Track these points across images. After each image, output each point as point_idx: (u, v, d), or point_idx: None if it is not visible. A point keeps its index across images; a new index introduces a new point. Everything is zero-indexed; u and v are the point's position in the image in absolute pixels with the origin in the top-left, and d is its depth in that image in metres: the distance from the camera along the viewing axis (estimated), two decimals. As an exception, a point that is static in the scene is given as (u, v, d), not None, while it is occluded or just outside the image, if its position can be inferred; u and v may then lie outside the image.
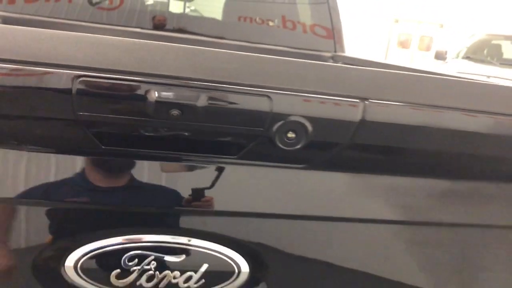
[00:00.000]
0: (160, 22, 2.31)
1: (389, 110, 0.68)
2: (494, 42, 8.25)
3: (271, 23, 2.44)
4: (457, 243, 0.79)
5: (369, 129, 0.67)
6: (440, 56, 7.75)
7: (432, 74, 0.89)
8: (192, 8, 2.75)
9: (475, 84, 0.81)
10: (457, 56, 7.65)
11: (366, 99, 0.66)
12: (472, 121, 0.72)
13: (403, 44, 14.60)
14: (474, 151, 0.74)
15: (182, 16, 2.51)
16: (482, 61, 7.22)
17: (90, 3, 2.23)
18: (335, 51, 2.39)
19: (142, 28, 2.19)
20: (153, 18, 2.29)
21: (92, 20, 2.12)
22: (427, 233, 0.79)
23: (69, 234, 0.66)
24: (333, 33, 2.45)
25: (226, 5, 2.52)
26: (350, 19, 14.25)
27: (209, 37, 2.21)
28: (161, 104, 0.59)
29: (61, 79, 0.57)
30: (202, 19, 2.71)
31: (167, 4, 2.52)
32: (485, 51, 7.95)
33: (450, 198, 0.78)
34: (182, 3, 2.46)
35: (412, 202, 0.76)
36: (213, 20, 2.70)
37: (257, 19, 2.44)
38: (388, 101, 0.68)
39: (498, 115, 0.72)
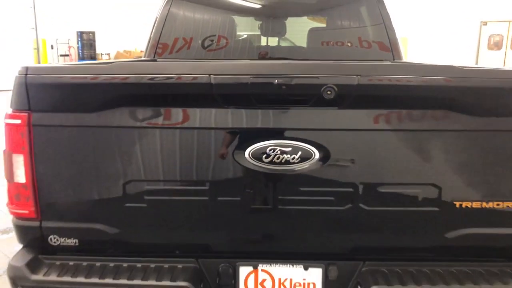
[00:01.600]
0: (262, 55, 3.23)
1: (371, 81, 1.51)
2: None
3: (343, 44, 3.28)
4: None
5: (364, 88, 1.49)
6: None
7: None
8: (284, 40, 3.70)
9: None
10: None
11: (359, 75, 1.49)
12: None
13: (495, 46, 14.44)
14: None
15: (276, 47, 3.46)
16: None
17: (203, 47, 3.26)
18: (393, 59, 3.12)
19: (250, 59, 3.12)
20: (258, 52, 3.23)
21: (207, 58, 3.10)
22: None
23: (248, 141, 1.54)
24: (390, 46, 3.21)
25: (308, 36, 3.39)
26: (440, 26, 14.45)
27: (298, 60, 3.04)
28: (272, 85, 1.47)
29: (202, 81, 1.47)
30: (292, 48, 3.63)
31: (264, 39, 3.49)
32: None
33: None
34: (276, 38, 3.41)
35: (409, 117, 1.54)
36: (299, 47, 3.59)
37: (332, 42, 3.30)
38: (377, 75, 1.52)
39: None
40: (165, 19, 3.18)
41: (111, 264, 1.64)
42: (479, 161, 1.56)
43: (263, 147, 1.52)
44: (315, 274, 1.65)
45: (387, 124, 1.53)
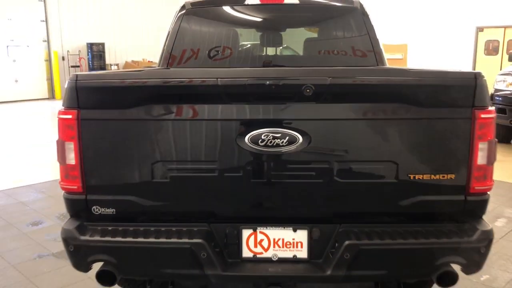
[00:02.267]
0: (266, 63, 3.66)
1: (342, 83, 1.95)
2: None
3: (334, 53, 3.72)
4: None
5: (334, 87, 1.93)
6: (512, 58, 8.37)
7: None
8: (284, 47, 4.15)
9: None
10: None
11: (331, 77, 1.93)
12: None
13: (491, 51, 14.85)
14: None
15: (275, 56, 3.92)
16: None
17: (210, 57, 3.71)
18: (377, 65, 3.54)
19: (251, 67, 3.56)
20: (259, 60, 3.68)
21: (214, 66, 3.53)
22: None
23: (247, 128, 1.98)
24: (374, 54, 3.66)
25: (304, 46, 3.83)
26: (439, 33, 14.85)
27: (294, 67, 3.45)
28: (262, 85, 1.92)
29: (211, 83, 1.93)
30: (290, 56, 4.08)
31: (264, 49, 3.94)
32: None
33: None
34: (274, 48, 3.87)
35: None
36: (296, 56, 4.05)
37: (324, 51, 3.75)
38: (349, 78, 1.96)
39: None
40: (177, 33, 3.63)
41: (141, 228, 2.08)
42: (426, 142, 2.00)
43: (259, 133, 1.96)
44: (302, 235, 2.09)
45: (355, 114, 1.98)
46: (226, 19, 3.83)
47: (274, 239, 2.10)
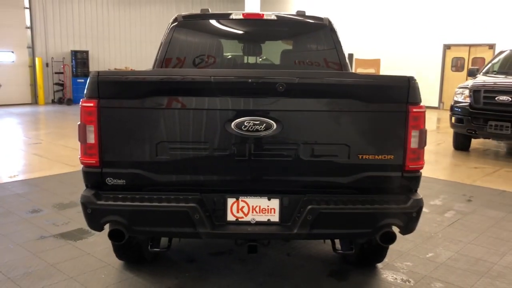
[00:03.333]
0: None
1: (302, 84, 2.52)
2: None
3: (306, 63, 4.31)
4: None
5: (301, 85, 2.49)
6: (472, 73, 9.13)
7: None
8: (263, 58, 4.72)
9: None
10: (487, 72, 9.02)
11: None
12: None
13: (457, 68, 15.80)
14: None
15: (255, 64, 4.49)
16: (506, 74, 8.58)
17: (195, 64, 4.25)
18: None
19: None
20: (242, 68, 4.24)
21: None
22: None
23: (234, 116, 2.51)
24: (340, 64, 4.26)
25: (281, 56, 4.40)
26: (410, 49, 15.72)
27: None
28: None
29: (206, 80, 2.46)
30: (268, 65, 4.65)
31: (244, 58, 4.51)
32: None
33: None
34: (254, 57, 4.44)
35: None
36: (273, 64, 4.62)
37: (298, 61, 4.33)
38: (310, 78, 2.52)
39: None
40: (169, 43, 4.17)
41: (146, 196, 2.59)
42: (371, 130, 2.57)
43: (242, 121, 2.49)
44: (275, 203, 2.63)
45: (317, 107, 2.53)
46: (212, 31, 4.38)
47: (252, 206, 2.63)
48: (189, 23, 4.30)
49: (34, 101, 15.84)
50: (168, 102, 2.52)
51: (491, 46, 14.94)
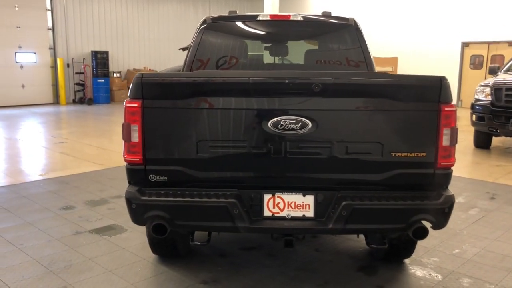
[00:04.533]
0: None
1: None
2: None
3: (331, 62, 4.39)
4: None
5: (336, 85, 2.59)
6: (492, 71, 9.10)
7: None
8: (285, 58, 4.82)
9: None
10: (509, 70, 8.99)
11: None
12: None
13: (475, 65, 15.70)
14: None
15: (279, 64, 4.59)
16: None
17: (223, 65, 4.37)
18: None
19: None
20: (267, 68, 4.34)
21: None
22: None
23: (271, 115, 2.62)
24: (366, 64, 4.33)
25: (305, 56, 4.50)
26: (427, 47, 15.67)
27: None
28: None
29: (245, 81, 2.59)
30: (292, 65, 4.75)
31: (271, 58, 4.61)
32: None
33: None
34: (275, 57, 4.54)
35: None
36: (299, 65, 4.71)
37: (323, 61, 4.42)
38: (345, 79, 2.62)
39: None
40: (199, 44, 4.29)
41: (187, 192, 2.71)
42: (404, 128, 2.65)
43: (279, 120, 2.60)
44: (310, 199, 2.73)
45: (351, 106, 2.63)
46: (240, 32, 4.49)
47: (288, 202, 2.73)
48: (218, 25, 4.41)
49: (56, 101, 16.14)
50: (208, 103, 2.64)
51: (511, 43, 14.81)
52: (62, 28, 16.05)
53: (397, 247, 3.47)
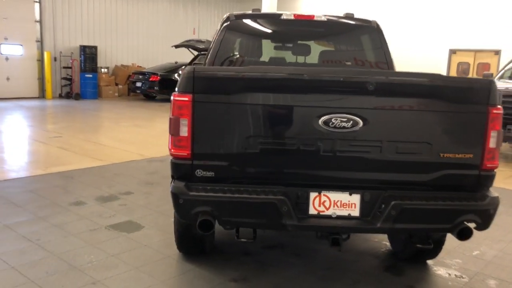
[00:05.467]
0: None
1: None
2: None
3: (353, 63, 4.42)
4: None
5: (389, 85, 2.60)
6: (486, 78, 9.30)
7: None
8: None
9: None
10: (501, 77, 9.20)
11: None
12: None
13: (463, 72, 16.03)
14: None
15: (302, 64, 4.59)
16: (521, 79, 8.76)
17: (249, 62, 4.32)
18: None
19: None
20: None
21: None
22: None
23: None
24: (387, 64, 4.38)
25: (319, 56, 4.51)
26: (416, 53, 15.89)
27: None
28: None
29: (299, 77, 2.58)
30: (308, 64, 4.76)
31: (294, 57, 4.61)
32: (526, 72, 9.41)
33: None
34: (303, 57, 4.55)
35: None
36: (313, 63, 4.72)
37: (345, 61, 4.44)
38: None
39: None
40: (221, 41, 4.26)
41: (233, 188, 2.68)
42: (453, 129, 2.68)
43: (330, 117, 2.59)
44: (356, 198, 2.73)
45: (403, 105, 2.64)
46: (263, 30, 4.48)
47: (334, 201, 2.73)
48: (240, 23, 4.39)
49: (42, 95, 15.79)
50: (260, 98, 2.61)
51: (497, 52, 15.19)
52: (50, 21, 15.72)
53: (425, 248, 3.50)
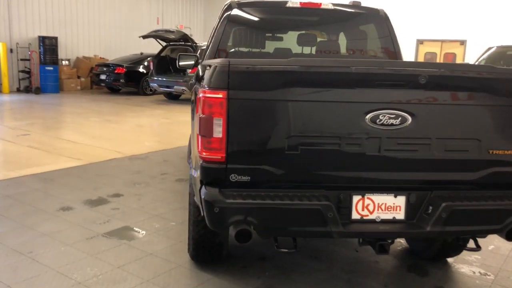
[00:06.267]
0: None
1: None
2: (509, 52, 9.90)
3: (362, 51, 4.23)
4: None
5: (442, 77, 2.41)
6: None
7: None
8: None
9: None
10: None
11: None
12: None
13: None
14: None
15: (310, 55, 4.36)
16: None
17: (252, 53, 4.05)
18: None
19: None
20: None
21: None
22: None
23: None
24: (395, 52, 4.23)
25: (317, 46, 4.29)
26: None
27: None
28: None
29: (345, 70, 2.35)
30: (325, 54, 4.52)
31: (300, 48, 4.37)
32: (501, 62, 9.59)
33: None
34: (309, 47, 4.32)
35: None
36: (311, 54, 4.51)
37: (353, 50, 4.25)
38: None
39: None
40: (223, 31, 3.98)
41: (271, 193, 2.42)
42: (503, 124, 2.52)
43: (377, 114, 2.38)
44: (401, 200, 2.54)
45: (453, 100, 2.46)
46: (267, 19, 4.21)
47: (378, 203, 2.53)
48: (243, 11, 4.11)
49: (-3, 89, 14.85)
50: (302, 94, 2.36)
51: (462, 42, 15.49)
52: (5, 10, 14.72)
53: (449, 246, 3.38)
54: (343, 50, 4.27)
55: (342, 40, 4.35)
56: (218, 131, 2.34)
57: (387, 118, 2.39)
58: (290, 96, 2.35)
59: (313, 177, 2.48)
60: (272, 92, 2.34)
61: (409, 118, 2.41)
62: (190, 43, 13.30)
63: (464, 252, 3.77)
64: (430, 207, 2.51)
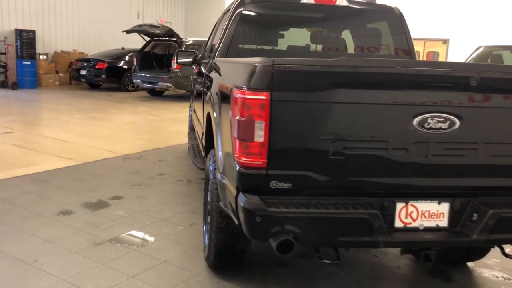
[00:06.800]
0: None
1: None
2: (495, 52, 10.02)
3: (376, 49, 4.12)
4: None
5: (493, 79, 2.31)
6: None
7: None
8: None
9: None
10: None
11: None
12: None
13: (413, 60, 16.42)
14: None
15: (324, 53, 4.23)
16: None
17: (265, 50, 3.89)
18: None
19: None
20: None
21: None
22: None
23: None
24: (409, 51, 4.14)
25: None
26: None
27: None
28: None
29: (394, 71, 2.22)
30: (340, 53, 4.38)
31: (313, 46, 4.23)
32: (488, 60, 9.69)
33: None
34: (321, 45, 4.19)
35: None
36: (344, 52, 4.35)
37: (369, 48, 4.14)
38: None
39: None
40: (235, 28, 3.81)
41: (313, 201, 2.28)
42: None
43: (426, 117, 2.26)
44: (445, 207, 2.43)
45: (502, 103, 2.36)
46: (280, 16, 4.06)
47: (421, 211, 2.41)
48: (257, 7, 3.95)
49: (-29, 84, 14.24)
50: (348, 95, 2.23)
51: (445, 41, 15.66)
52: (-21, 1, 14.15)
53: (474, 251, 3.32)
54: (357, 47, 4.16)
55: (358, 38, 4.23)
56: (260, 135, 2.19)
57: (436, 121, 2.27)
58: (335, 97, 2.21)
59: (357, 184, 2.35)
60: (317, 93, 2.19)
61: (457, 122, 2.30)
62: (175, 39, 13.00)
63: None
64: (475, 214, 2.41)
